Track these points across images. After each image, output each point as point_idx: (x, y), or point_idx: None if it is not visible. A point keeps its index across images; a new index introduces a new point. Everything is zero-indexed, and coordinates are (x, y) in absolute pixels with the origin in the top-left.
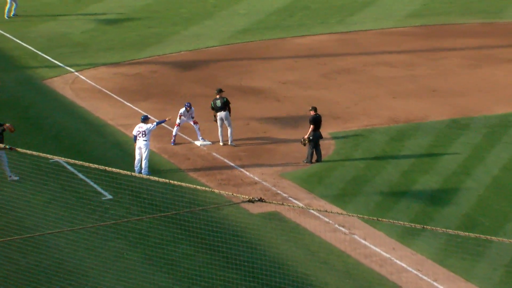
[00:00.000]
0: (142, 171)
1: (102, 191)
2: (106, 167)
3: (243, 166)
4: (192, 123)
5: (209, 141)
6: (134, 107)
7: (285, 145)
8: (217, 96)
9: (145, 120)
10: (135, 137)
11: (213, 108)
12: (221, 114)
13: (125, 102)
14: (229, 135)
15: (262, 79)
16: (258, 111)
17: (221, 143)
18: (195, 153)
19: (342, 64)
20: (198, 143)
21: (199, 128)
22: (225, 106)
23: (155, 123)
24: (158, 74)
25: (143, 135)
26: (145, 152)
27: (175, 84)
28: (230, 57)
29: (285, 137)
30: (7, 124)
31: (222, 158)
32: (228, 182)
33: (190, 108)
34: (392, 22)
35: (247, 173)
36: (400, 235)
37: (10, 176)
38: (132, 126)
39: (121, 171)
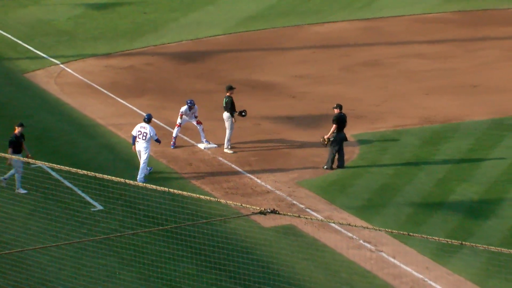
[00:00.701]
0: (138, 177)
1: (92, 201)
2: (96, 174)
3: (253, 173)
4: (195, 123)
5: (215, 143)
6: (127, 104)
7: (302, 149)
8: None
9: (149, 120)
10: (134, 138)
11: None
12: (223, 115)
13: (117, 99)
14: (225, 138)
15: (275, 73)
16: (270, 109)
17: (230, 151)
18: (198, 158)
19: (367, 55)
20: (201, 146)
21: (203, 129)
22: (226, 106)
23: (156, 138)
24: (154, 67)
25: (144, 138)
26: (144, 154)
27: (173, 79)
28: (237, 48)
29: (301, 139)
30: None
31: (229, 163)
32: (236, 191)
33: (193, 106)
34: (425, 7)
35: (258, 180)
36: (434, 252)
37: (18, 189)
38: (125, 126)
39: (113, 178)
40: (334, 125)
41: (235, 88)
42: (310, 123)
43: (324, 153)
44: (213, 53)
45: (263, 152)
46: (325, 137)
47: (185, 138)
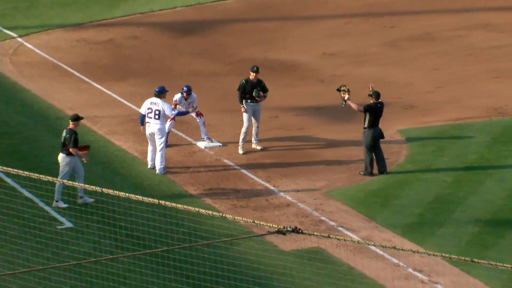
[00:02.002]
0: (157, 168)
1: (58, 217)
2: (64, 181)
3: (269, 180)
4: (194, 115)
5: (218, 142)
6: (105, 91)
7: (332, 149)
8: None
9: (161, 93)
10: (143, 117)
11: None
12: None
13: (92, 83)
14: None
15: (298, 51)
16: (291, 97)
17: (241, 151)
18: (198, 160)
19: (418, 27)
20: (202, 144)
21: (204, 123)
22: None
23: (174, 112)
24: (140, 41)
25: (156, 116)
26: (159, 139)
27: (166, 57)
28: (249, 17)
29: (331, 136)
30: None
31: (237, 167)
32: (247, 203)
33: (190, 93)
34: None
35: (275, 190)
36: (507, 285)
37: (82, 197)
38: (102, 120)
39: (86, 186)
40: (361, 108)
41: (256, 71)
42: (343, 115)
43: (362, 154)
44: (218, 24)
45: (282, 153)
46: (346, 97)
47: (180, 134)
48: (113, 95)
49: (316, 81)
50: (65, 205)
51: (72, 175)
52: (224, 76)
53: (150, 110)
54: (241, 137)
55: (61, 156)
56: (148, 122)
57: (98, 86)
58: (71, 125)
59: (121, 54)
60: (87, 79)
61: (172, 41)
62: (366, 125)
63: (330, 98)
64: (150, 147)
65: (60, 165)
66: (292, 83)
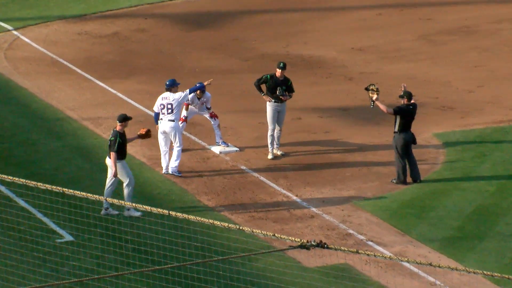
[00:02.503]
0: (170, 169)
1: (58, 229)
2: (64, 189)
3: (291, 189)
4: (208, 116)
5: (235, 146)
6: (109, 89)
7: (361, 154)
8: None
9: (172, 86)
10: (157, 115)
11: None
12: None
13: (95, 81)
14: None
15: (323, 45)
16: (315, 97)
17: (270, 156)
18: (212, 166)
19: (457, 19)
20: (216, 149)
21: (218, 126)
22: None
23: (187, 91)
24: (149, 34)
25: (169, 111)
26: (174, 137)
27: (176, 52)
28: (269, 8)
29: (360, 140)
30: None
31: (256, 174)
32: (267, 215)
33: (203, 92)
34: None
35: (298, 200)
36: None
37: (107, 208)
38: (106, 121)
39: (88, 195)
40: (390, 111)
41: (283, 68)
42: (373, 117)
43: (394, 161)
44: (235, 15)
45: (306, 159)
46: (374, 97)
47: (193, 137)
48: (118, 94)
49: (343, 79)
50: (139, 213)
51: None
52: (242, 73)
53: (162, 106)
54: (269, 140)
55: (108, 160)
56: (160, 119)
57: (102, 84)
58: (118, 126)
59: (127, 49)
60: (89, 77)
61: (184, 34)
62: (396, 129)
63: (358, 98)
64: (162, 150)
65: (108, 170)
66: (317, 81)
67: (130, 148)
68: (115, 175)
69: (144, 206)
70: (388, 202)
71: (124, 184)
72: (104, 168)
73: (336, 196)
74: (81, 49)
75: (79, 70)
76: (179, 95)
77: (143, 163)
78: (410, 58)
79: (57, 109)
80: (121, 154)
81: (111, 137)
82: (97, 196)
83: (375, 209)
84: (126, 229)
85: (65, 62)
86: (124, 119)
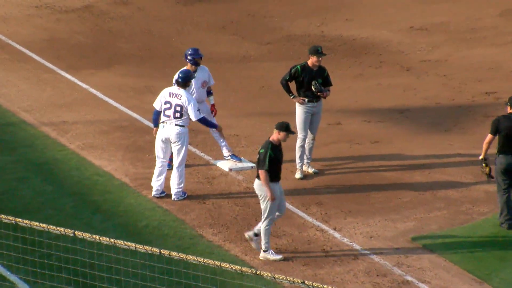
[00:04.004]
0: (173, 191)
1: (8, 274)
2: (17, 219)
3: (326, 219)
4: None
5: (250, 161)
6: (79, 83)
7: (423, 173)
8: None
9: (187, 80)
10: (157, 115)
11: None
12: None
13: (60, 72)
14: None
15: (370, 23)
16: (361, 94)
17: (299, 175)
18: (220, 188)
19: None
20: (225, 165)
21: (221, 133)
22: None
23: (200, 116)
24: (133, 9)
25: (177, 114)
26: (178, 147)
27: (172, 33)
28: None
29: (421, 152)
30: None
31: None
32: (294, 255)
33: (197, 64)
34: None
35: (336, 234)
36: None
37: (257, 235)
38: (75, 126)
39: (50, 227)
40: (489, 136)
41: (322, 54)
42: (441, 121)
43: (467, 181)
44: None
45: (347, 179)
46: (486, 170)
47: (193, 149)
48: (92, 89)
49: (399, 69)
50: (279, 256)
51: None
52: (260, 62)
53: (168, 105)
54: (297, 154)
55: (256, 184)
56: (163, 122)
57: (69, 76)
58: (275, 135)
59: (104, 28)
60: (52, 66)
61: (181, 8)
62: (498, 149)
63: (420, 95)
64: (158, 162)
65: (259, 197)
66: (362, 73)
67: (108, 164)
68: (272, 198)
69: (126, 243)
70: (460, 238)
71: (263, 220)
72: (71, 191)
73: (389, 230)
74: (41, 27)
75: (37, 57)
76: (193, 109)
77: (124, 184)
78: (492, 41)
79: (7, 110)
80: (273, 173)
81: (261, 149)
82: (62, 229)
83: (442, 248)
84: (102, 274)
85: (17, 46)
86: (286, 128)
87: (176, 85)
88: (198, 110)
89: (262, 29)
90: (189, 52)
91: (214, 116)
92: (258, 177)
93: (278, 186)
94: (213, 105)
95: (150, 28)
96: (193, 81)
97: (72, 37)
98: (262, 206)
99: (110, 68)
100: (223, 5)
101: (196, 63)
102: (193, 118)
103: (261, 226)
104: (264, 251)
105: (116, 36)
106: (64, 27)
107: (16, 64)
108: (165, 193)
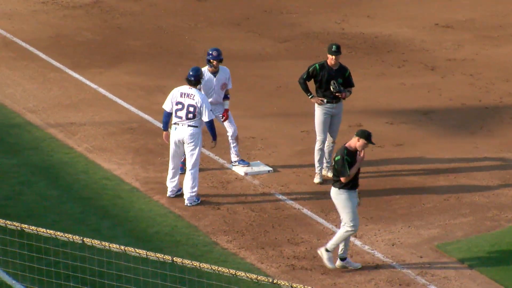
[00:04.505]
0: (187, 195)
1: (13, 283)
2: (23, 225)
3: None
4: (220, 116)
5: (267, 165)
6: (87, 82)
7: (449, 177)
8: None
9: (198, 79)
10: (168, 116)
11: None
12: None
13: (67, 71)
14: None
15: (393, 20)
16: (382, 95)
17: (318, 179)
18: (235, 193)
19: None
20: (240, 169)
21: (236, 137)
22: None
23: (212, 117)
24: (144, 4)
25: (190, 115)
26: (191, 148)
27: (183, 30)
28: None
29: (446, 155)
30: None
31: (297, 205)
32: (312, 263)
33: (219, 60)
34: None
35: (357, 242)
36: None
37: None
38: (83, 129)
39: (58, 233)
40: None
41: (337, 52)
42: (467, 123)
43: (495, 187)
44: None
45: (368, 184)
46: None
47: (207, 152)
48: (100, 89)
49: (423, 68)
50: (332, 265)
51: None
52: (277, 60)
53: (180, 106)
54: (316, 157)
55: (333, 191)
56: (175, 124)
57: (76, 75)
58: (353, 142)
59: (113, 25)
60: (58, 64)
61: (194, 4)
62: None
63: (445, 95)
64: (172, 167)
65: (336, 205)
66: (384, 72)
67: (117, 168)
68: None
69: (137, 250)
70: (486, 246)
71: (345, 225)
72: (79, 196)
73: (412, 237)
74: (47, 24)
75: (43, 55)
76: (207, 108)
77: (135, 188)
78: None
79: (12, 111)
80: (350, 180)
81: (336, 156)
82: (70, 235)
83: (468, 256)
84: (112, 282)
85: (23, 44)
86: (367, 136)
87: (188, 83)
88: (211, 110)
89: (279, 26)
90: (213, 54)
91: (224, 122)
92: (334, 184)
93: (356, 194)
94: (226, 110)
95: (161, 25)
96: (214, 82)
97: (79, 34)
98: (342, 215)
99: (119, 66)
100: (238, 1)
101: (219, 60)
102: (207, 119)
103: (338, 231)
104: (327, 250)
105: (125, 33)
106: (71, 24)
107: (21, 63)
108: (181, 190)
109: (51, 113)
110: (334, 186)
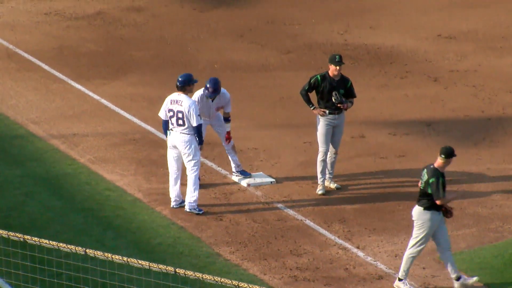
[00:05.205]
0: (187, 205)
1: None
2: (25, 236)
3: (350, 238)
4: (222, 136)
5: (270, 176)
6: (90, 94)
7: (452, 188)
8: (335, 69)
9: (187, 85)
10: (166, 124)
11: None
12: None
13: (70, 82)
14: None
15: (396, 30)
16: (385, 105)
17: (320, 190)
18: (237, 204)
19: None
20: (242, 180)
21: (233, 147)
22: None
23: (198, 122)
24: (147, 15)
25: (180, 121)
26: (187, 154)
27: (187, 41)
28: None
29: (450, 168)
30: None
31: (300, 217)
32: (315, 274)
33: (217, 91)
34: None
35: (360, 253)
36: None
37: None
38: (86, 140)
39: (61, 245)
40: None
41: (340, 62)
42: (469, 135)
43: (499, 198)
44: None
45: (371, 195)
46: None
47: (209, 163)
48: (103, 100)
49: (426, 79)
50: (474, 279)
51: None
52: (280, 71)
53: (171, 113)
54: (319, 169)
55: (417, 210)
56: (170, 130)
57: (79, 86)
58: (439, 162)
59: (116, 36)
60: (61, 76)
61: (198, 15)
62: None
63: (448, 106)
64: (172, 173)
65: (415, 223)
66: (387, 83)
67: (120, 179)
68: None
69: (139, 261)
70: (490, 257)
71: (437, 247)
72: (81, 207)
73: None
74: (50, 35)
75: (46, 66)
76: (194, 113)
77: (137, 199)
78: None
79: (15, 122)
80: (435, 203)
81: (430, 178)
82: (72, 246)
83: (471, 267)
84: None
85: (25, 55)
86: (451, 154)
87: (177, 89)
88: (199, 115)
89: (282, 37)
90: (211, 82)
91: (227, 143)
92: (419, 203)
93: (440, 216)
94: (228, 133)
95: (164, 35)
96: (211, 105)
97: (82, 45)
98: (416, 233)
99: (122, 77)
100: (241, 12)
101: (215, 91)
102: (194, 124)
103: (407, 252)
104: (400, 280)
105: (128, 43)
106: (74, 35)
107: (24, 74)
108: (184, 203)
109: (54, 124)
110: (419, 205)
